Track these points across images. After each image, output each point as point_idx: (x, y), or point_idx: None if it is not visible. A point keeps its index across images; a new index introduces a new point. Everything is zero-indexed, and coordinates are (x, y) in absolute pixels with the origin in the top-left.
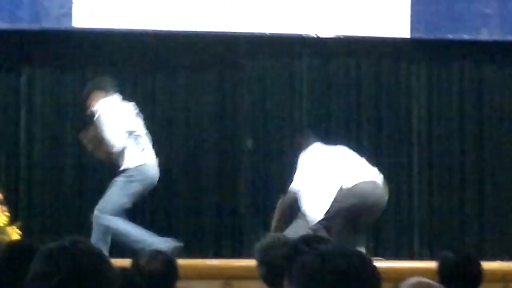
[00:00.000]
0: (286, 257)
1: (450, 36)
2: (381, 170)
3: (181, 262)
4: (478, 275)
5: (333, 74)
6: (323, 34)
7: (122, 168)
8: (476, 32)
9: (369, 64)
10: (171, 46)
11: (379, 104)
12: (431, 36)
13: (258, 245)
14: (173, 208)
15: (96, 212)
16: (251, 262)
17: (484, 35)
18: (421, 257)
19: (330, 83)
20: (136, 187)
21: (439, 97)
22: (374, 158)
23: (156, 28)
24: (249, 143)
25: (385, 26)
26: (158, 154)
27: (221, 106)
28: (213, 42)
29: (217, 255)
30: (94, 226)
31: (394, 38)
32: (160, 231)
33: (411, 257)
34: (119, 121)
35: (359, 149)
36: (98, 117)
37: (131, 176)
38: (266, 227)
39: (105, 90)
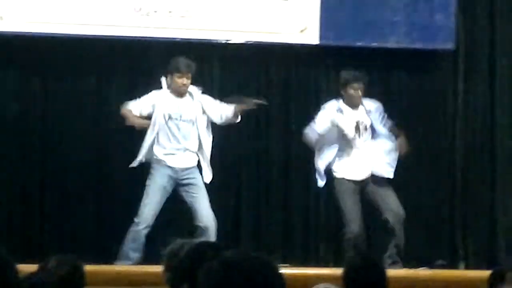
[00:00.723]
0: (191, 262)
1: (359, 44)
2: (290, 175)
3: (89, 267)
4: (383, 281)
5: (243, 80)
6: (234, 40)
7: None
8: (384, 40)
9: (279, 70)
10: (81, 51)
11: (289, 110)
12: (340, 43)
13: (164, 251)
14: (81, 212)
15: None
16: (159, 268)
17: (392, 43)
18: (327, 264)
19: (240, 89)
20: None
21: None
22: (284, 164)
23: (67, 32)
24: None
25: (295, 33)
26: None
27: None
28: (125, 47)
29: None
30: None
31: (303, 45)
32: (68, 237)
33: (317, 263)
34: None
35: (268, 156)
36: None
37: None
38: (174, 232)
39: None
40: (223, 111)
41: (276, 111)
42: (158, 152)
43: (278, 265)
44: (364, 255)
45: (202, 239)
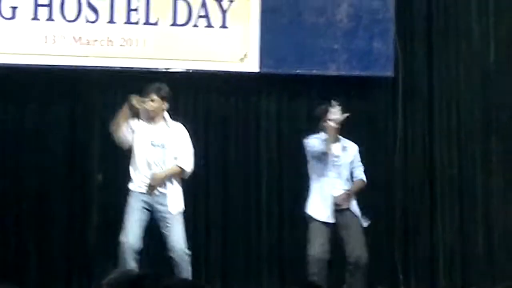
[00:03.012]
0: None
1: (299, 71)
2: (230, 203)
3: None
4: None
5: (183, 108)
6: (174, 69)
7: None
8: (324, 67)
9: (219, 98)
10: (21, 79)
11: (228, 138)
12: (280, 71)
13: (104, 280)
14: (22, 244)
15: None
16: None
17: (332, 70)
18: None
19: (180, 117)
20: None
21: (289, 131)
22: (222, 193)
23: (5, 61)
24: (100, 177)
25: (235, 61)
26: (7, 187)
27: (71, 141)
28: (63, 75)
29: None
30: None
31: (243, 73)
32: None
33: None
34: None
35: (206, 187)
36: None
37: None
38: (115, 262)
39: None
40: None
41: (214, 139)
42: (133, 177)
43: None
44: (306, 283)
45: (175, 270)
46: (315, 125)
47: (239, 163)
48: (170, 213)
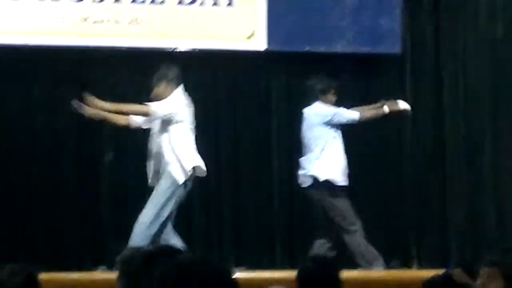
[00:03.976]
0: (145, 268)
1: (306, 49)
2: (241, 180)
3: (43, 276)
4: (337, 283)
5: (191, 87)
6: (181, 48)
7: None
8: (332, 45)
9: (227, 77)
10: (29, 59)
11: (237, 116)
12: (287, 48)
13: (118, 257)
14: (33, 220)
15: None
16: (113, 275)
17: (339, 48)
18: (282, 267)
19: (188, 96)
20: None
21: (297, 109)
22: (233, 168)
23: (12, 42)
24: (110, 156)
25: (242, 39)
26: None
27: (80, 120)
28: (70, 55)
29: (79, 268)
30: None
31: (250, 51)
32: (22, 245)
33: (272, 266)
34: None
35: (218, 162)
36: None
37: None
38: (128, 238)
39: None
40: None
41: (224, 117)
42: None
43: (231, 268)
44: (317, 257)
45: None
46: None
47: (248, 142)
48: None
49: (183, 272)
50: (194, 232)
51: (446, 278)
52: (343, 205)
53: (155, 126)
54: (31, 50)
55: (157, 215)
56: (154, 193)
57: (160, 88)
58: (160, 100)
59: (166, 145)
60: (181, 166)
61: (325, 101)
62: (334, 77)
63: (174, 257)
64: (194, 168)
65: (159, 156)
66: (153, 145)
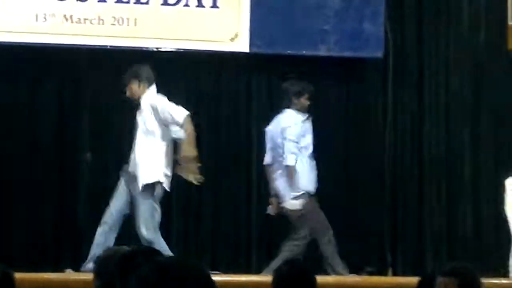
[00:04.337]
0: (121, 269)
1: (289, 52)
2: (220, 182)
3: (19, 275)
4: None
5: (174, 88)
6: (164, 48)
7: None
8: (315, 48)
9: (210, 78)
10: (11, 57)
11: (219, 118)
12: (270, 51)
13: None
14: (13, 221)
15: None
16: (90, 276)
17: (322, 51)
18: (258, 271)
19: (170, 97)
20: None
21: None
22: (213, 172)
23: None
24: (89, 156)
25: (225, 41)
26: None
27: (61, 119)
28: (54, 54)
29: (55, 268)
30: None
31: (233, 53)
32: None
33: (248, 271)
34: None
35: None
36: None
37: None
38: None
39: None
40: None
41: (205, 118)
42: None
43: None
44: (292, 262)
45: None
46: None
47: (229, 144)
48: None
49: (162, 272)
50: (172, 234)
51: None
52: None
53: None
54: (13, 48)
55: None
56: None
57: (133, 87)
58: (135, 99)
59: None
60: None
61: (298, 105)
62: (313, 80)
63: (151, 258)
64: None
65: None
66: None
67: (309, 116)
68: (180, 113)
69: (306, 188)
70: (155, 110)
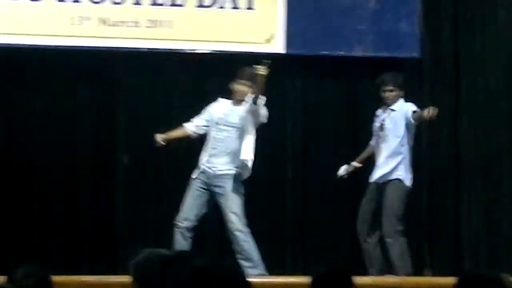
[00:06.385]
0: (161, 272)
1: (325, 52)
2: (254, 184)
3: (56, 278)
4: None
5: (210, 90)
6: (200, 50)
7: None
8: (351, 49)
9: None
10: (47, 61)
11: None
12: (306, 52)
13: (133, 261)
14: (49, 223)
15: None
16: (127, 279)
17: (358, 52)
18: (294, 273)
19: (207, 99)
20: None
21: (314, 112)
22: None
23: (30, 42)
24: (126, 159)
25: (261, 42)
26: (34, 169)
27: (97, 122)
28: (89, 57)
29: (92, 271)
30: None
31: (269, 54)
32: (38, 246)
33: (283, 272)
34: None
35: None
36: None
37: None
38: (142, 242)
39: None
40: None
41: None
42: (201, 157)
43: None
44: (331, 263)
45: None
46: (343, 106)
47: (265, 144)
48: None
49: (200, 276)
50: (206, 237)
51: (494, 279)
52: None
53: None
54: (49, 51)
55: None
56: None
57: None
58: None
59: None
60: None
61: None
62: (349, 81)
63: (190, 261)
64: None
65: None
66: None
67: (386, 109)
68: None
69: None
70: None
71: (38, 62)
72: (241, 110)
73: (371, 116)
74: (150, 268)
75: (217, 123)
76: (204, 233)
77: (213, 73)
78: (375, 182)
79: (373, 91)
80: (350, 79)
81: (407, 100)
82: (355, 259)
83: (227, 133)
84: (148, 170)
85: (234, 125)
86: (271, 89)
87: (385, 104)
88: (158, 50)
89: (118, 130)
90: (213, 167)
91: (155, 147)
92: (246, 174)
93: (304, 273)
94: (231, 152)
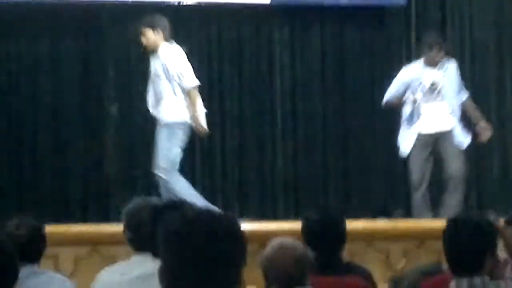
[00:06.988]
0: (152, 221)
1: (311, 2)
2: (245, 133)
3: (48, 228)
4: (342, 234)
5: (195, 41)
6: (185, 2)
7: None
8: None
9: (231, 31)
10: (34, 14)
11: (241, 70)
12: (291, 2)
13: (124, 209)
14: (39, 173)
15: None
16: (118, 227)
17: (344, 0)
18: (286, 218)
19: (192, 50)
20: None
21: (301, 62)
22: (237, 121)
23: None
24: (113, 108)
25: None
26: (24, 118)
27: (84, 73)
28: (75, 9)
29: (84, 220)
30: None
31: (254, 4)
32: (29, 196)
33: (275, 218)
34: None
35: (222, 115)
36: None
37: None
38: (133, 191)
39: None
40: None
41: (228, 72)
42: None
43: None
44: (321, 208)
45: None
46: (329, 56)
47: (253, 95)
48: None
49: (191, 224)
50: (197, 184)
51: (480, 217)
52: None
53: None
54: (34, 4)
55: None
56: None
57: (149, 36)
58: (151, 48)
59: None
60: None
61: (428, 57)
62: (335, 30)
63: (181, 210)
64: None
65: None
66: None
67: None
68: (189, 81)
69: None
70: (165, 68)
71: (25, 16)
72: None
73: (358, 65)
74: (141, 216)
75: None
76: None
77: (198, 25)
78: (429, 134)
79: (359, 39)
80: (336, 28)
81: (394, 49)
82: (347, 204)
83: None
84: (136, 121)
85: None
86: (258, 40)
87: (432, 63)
88: (144, 2)
89: (106, 81)
90: None
91: (140, 96)
92: None
93: (295, 219)
94: None
